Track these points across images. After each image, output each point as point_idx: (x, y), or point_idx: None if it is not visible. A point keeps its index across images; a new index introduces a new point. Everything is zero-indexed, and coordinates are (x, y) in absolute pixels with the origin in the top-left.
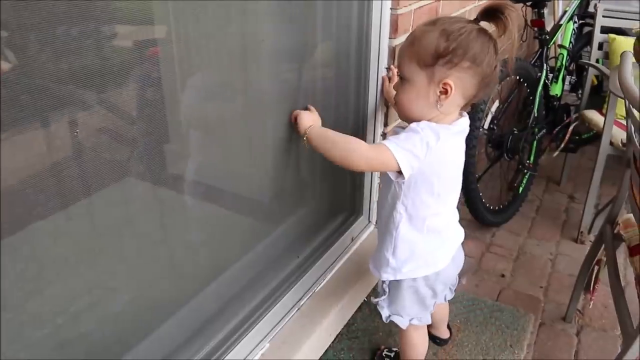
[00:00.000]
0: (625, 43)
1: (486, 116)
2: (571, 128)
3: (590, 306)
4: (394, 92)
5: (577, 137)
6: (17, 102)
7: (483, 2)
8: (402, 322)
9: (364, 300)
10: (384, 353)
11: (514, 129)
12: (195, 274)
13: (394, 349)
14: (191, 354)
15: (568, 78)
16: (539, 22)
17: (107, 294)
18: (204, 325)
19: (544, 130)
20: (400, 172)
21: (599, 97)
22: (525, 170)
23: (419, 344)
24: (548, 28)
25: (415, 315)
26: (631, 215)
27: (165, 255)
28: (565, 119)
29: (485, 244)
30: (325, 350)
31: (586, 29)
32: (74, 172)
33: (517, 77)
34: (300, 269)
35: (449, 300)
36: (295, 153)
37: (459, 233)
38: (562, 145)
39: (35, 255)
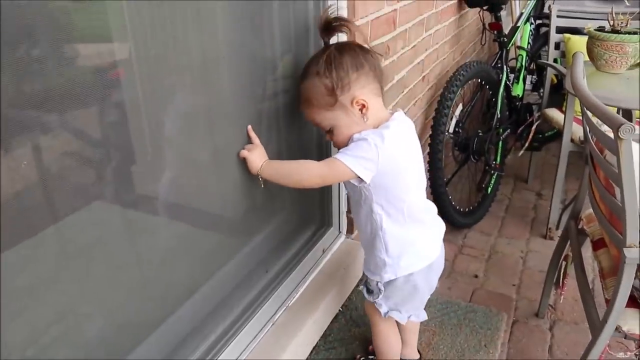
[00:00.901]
0: (580, 42)
1: (450, 120)
2: (534, 127)
3: (561, 301)
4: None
5: (540, 136)
6: None
7: (440, 9)
8: (401, 318)
9: (339, 310)
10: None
11: (479, 131)
12: (167, 295)
13: (371, 357)
14: None
15: (529, 78)
16: (496, 25)
17: (77, 319)
18: (178, 345)
19: (509, 131)
20: (360, 178)
21: (559, 96)
22: (492, 171)
23: (395, 343)
24: (506, 30)
25: (413, 311)
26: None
27: (136, 278)
28: (528, 118)
29: (457, 246)
30: None
31: (543, 29)
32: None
33: (479, 80)
34: (273, 284)
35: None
36: None
37: (441, 223)
38: (527, 144)
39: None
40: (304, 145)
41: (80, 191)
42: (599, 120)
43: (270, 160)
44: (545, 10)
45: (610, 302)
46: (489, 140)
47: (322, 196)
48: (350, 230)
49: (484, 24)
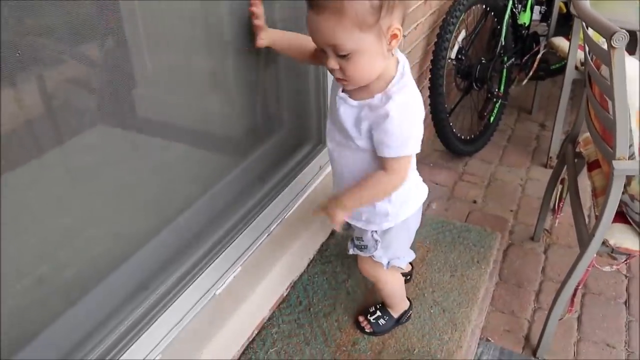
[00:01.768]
0: None
1: (452, 47)
2: (539, 56)
3: (556, 225)
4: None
5: (545, 64)
6: None
7: None
8: (401, 264)
9: None
10: (373, 318)
11: (482, 58)
12: (167, 206)
13: (377, 305)
14: (165, 277)
15: (538, 8)
16: None
17: (83, 235)
18: (176, 253)
19: (513, 59)
20: None
21: (567, 27)
22: (495, 99)
23: (403, 288)
24: None
25: (407, 253)
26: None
27: (141, 192)
28: (534, 47)
29: (458, 173)
30: (300, 275)
31: None
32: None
33: (484, 7)
34: (269, 196)
35: None
36: (261, 85)
37: None
38: (531, 74)
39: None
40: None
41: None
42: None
43: (343, 198)
44: None
45: (598, 217)
46: (492, 68)
47: (318, 115)
48: None
49: None
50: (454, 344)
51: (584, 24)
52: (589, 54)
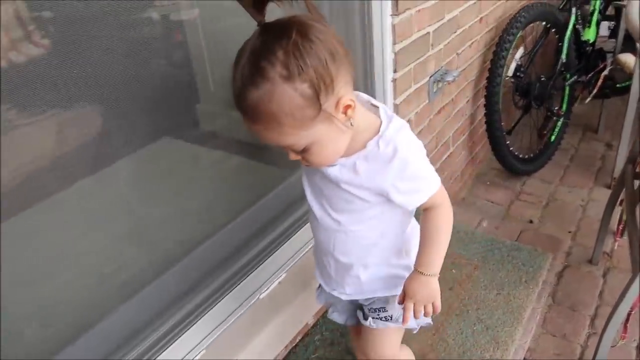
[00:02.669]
0: None
1: (509, 65)
2: (604, 73)
3: (616, 248)
4: None
5: (611, 82)
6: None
7: None
8: (427, 320)
9: None
10: None
11: (542, 76)
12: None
13: None
14: (212, 280)
15: (606, 23)
16: None
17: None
18: (224, 259)
19: (576, 77)
20: None
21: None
22: (556, 118)
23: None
24: None
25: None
26: None
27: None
28: (600, 64)
29: (515, 192)
30: None
31: None
32: None
33: (545, 24)
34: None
35: None
36: None
37: None
38: (595, 91)
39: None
40: None
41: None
42: None
43: (422, 266)
44: None
45: None
46: (552, 86)
47: None
48: None
49: None
50: None
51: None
52: None
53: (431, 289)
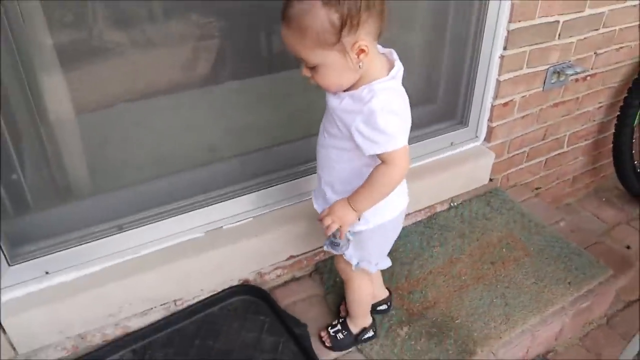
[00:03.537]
0: None
1: None
2: None
3: None
4: None
5: None
6: None
7: None
8: (370, 268)
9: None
10: (332, 331)
11: None
12: None
13: (340, 319)
14: None
15: None
16: None
17: None
18: None
19: None
20: None
21: None
22: None
23: (368, 293)
24: None
25: (380, 260)
26: None
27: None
28: None
29: (628, 217)
30: None
31: None
32: None
33: None
34: None
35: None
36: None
37: None
38: None
39: None
40: None
41: None
42: None
43: (354, 200)
44: None
45: None
46: None
47: (465, 96)
48: (487, 139)
49: None
50: (495, 333)
51: None
52: None
53: (346, 217)
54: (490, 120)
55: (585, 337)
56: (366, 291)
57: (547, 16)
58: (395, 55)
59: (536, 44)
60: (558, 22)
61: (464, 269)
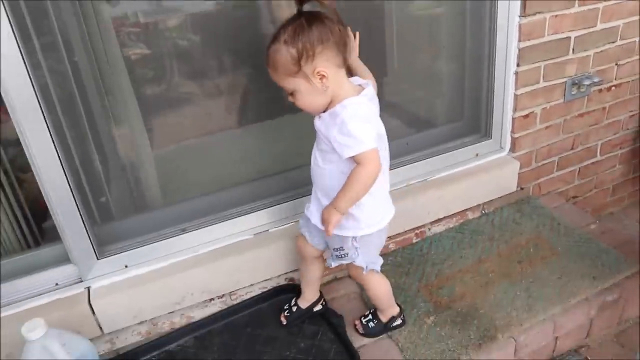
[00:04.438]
0: None
1: None
2: None
3: None
4: None
5: None
6: None
7: None
8: (377, 267)
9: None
10: (365, 320)
11: None
12: None
13: (371, 310)
14: None
15: None
16: None
17: None
18: None
19: None
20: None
21: None
22: None
23: (387, 286)
24: None
25: (377, 259)
26: None
27: None
28: None
29: None
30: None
31: None
32: None
33: None
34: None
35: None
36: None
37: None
38: None
39: None
40: None
41: None
42: None
43: (336, 202)
44: None
45: None
46: None
47: (487, 112)
48: (512, 149)
49: None
50: (517, 320)
51: None
52: None
53: (329, 216)
54: (512, 131)
55: (620, 334)
56: (383, 285)
57: (557, 33)
58: (370, 85)
59: (551, 59)
60: (569, 37)
61: (492, 267)
